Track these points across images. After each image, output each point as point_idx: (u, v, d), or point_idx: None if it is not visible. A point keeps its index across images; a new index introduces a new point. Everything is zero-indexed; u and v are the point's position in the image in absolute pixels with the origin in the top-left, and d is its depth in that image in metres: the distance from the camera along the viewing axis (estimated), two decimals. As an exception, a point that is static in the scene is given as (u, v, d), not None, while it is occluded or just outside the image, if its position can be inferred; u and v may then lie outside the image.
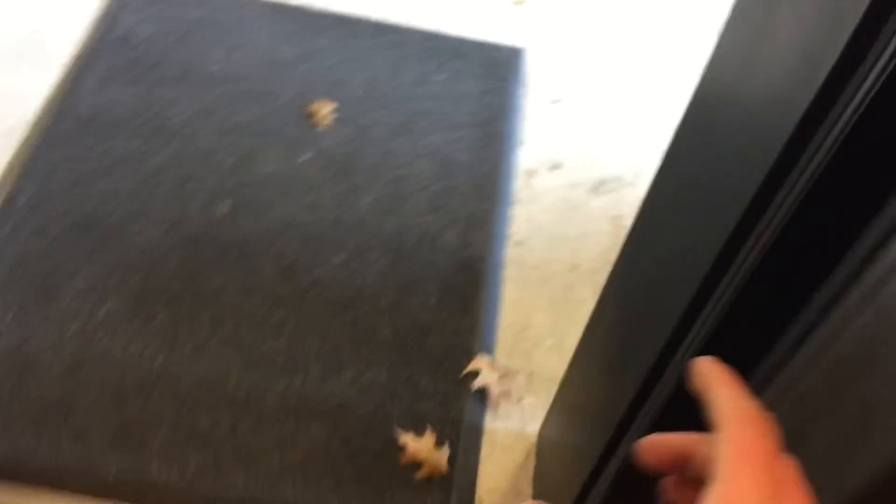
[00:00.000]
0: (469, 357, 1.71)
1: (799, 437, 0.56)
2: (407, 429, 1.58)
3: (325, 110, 2.07)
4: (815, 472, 0.41)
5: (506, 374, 1.71)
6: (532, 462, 1.60)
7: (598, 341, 1.31)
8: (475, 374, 1.68)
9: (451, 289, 1.82)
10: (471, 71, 2.25)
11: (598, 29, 2.44)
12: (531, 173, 2.07)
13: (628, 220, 2.07)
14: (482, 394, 1.67)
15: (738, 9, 0.84)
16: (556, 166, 2.10)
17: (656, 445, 0.45)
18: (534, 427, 1.64)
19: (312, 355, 1.68)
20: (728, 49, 0.86)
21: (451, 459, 1.57)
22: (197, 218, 1.85)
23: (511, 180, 2.04)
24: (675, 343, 0.85)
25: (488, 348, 1.74)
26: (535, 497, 1.55)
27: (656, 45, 2.41)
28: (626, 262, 1.24)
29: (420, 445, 1.57)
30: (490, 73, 2.26)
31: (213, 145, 1.99)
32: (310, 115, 2.07)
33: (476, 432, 1.62)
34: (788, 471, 0.39)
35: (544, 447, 1.58)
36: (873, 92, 0.54)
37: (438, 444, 1.58)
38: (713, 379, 0.42)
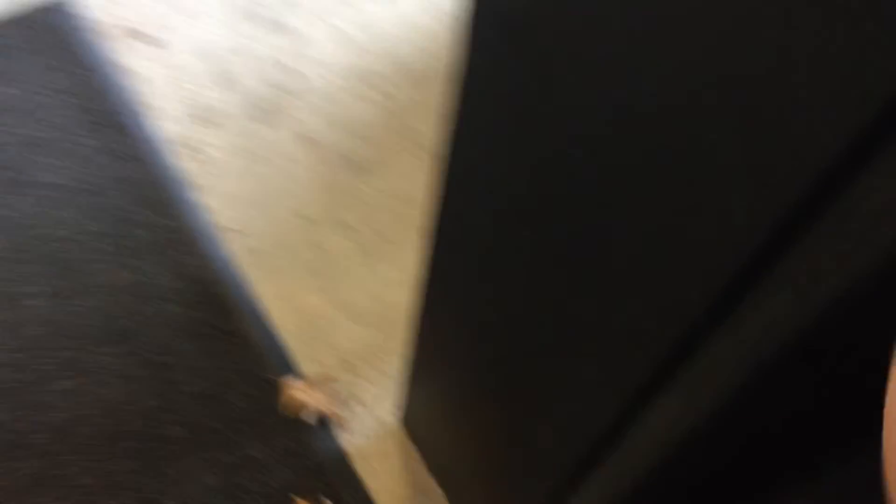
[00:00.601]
0: (276, 392, 1.46)
1: None
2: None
3: None
4: None
5: (326, 383, 1.49)
6: (413, 451, 1.45)
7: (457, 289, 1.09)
8: (298, 405, 1.45)
9: (206, 335, 1.50)
10: (26, 59, 1.72)
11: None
12: (186, 140, 1.69)
13: (318, 132, 1.80)
14: (322, 421, 1.45)
15: None
16: (204, 117, 1.73)
17: None
18: (393, 419, 1.47)
19: (121, 518, 1.34)
20: None
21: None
22: None
23: (171, 161, 1.66)
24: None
25: (289, 367, 1.49)
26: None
27: None
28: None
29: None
30: (50, 44, 1.75)
31: None
32: None
33: (343, 466, 1.42)
34: None
35: (420, 427, 1.41)
36: None
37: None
38: None
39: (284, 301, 1.55)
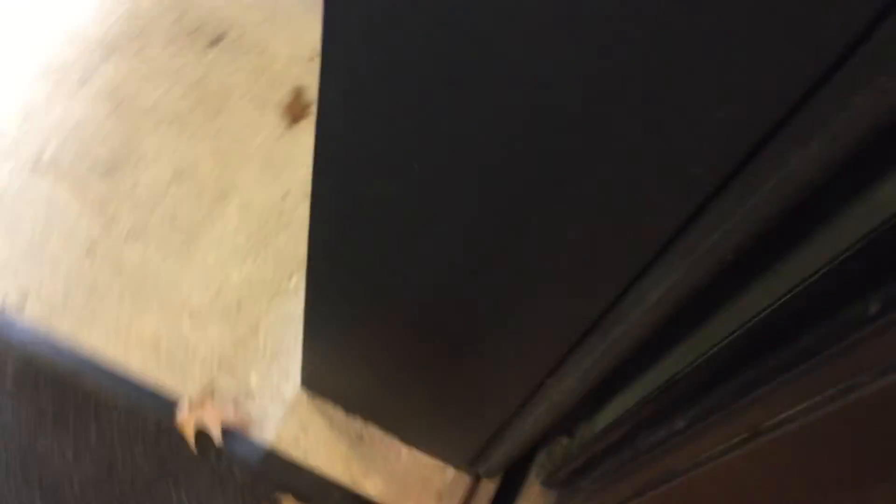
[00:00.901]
0: (169, 433, 1.35)
1: None
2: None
3: None
4: None
5: (209, 394, 1.39)
6: (326, 405, 1.41)
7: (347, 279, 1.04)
8: (201, 431, 1.35)
9: (60, 417, 1.32)
10: None
11: None
12: None
13: (47, 153, 1.53)
14: (229, 433, 1.36)
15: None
16: None
17: None
18: (290, 390, 1.41)
19: None
20: None
21: (299, 494, 1.34)
22: None
23: None
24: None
25: (166, 401, 1.37)
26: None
27: None
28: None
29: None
30: None
31: None
32: None
33: (275, 460, 1.36)
34: None
35: (324, 379, 1.36)
36: None
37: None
38: None
39: (119, 340, 1.40)
